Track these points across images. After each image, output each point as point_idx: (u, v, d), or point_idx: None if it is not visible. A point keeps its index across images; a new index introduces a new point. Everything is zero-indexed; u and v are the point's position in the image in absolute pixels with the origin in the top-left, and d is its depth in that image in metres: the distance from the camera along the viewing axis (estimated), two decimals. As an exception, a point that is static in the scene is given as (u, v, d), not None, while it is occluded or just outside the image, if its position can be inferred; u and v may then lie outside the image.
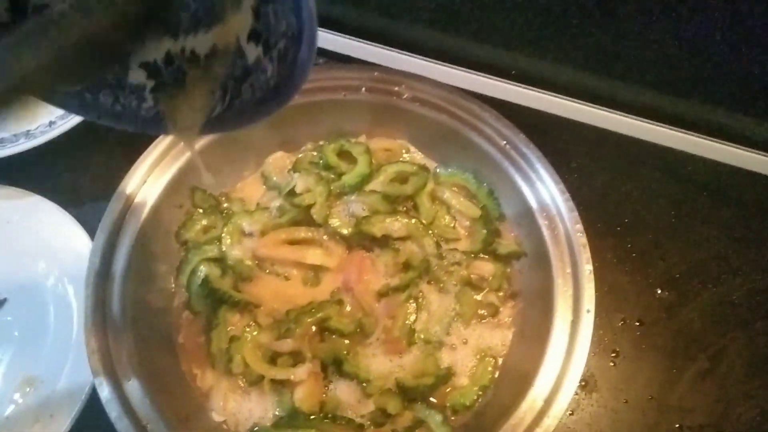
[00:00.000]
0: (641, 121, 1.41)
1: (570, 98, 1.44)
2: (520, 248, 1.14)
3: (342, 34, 1.52)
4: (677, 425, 1.10)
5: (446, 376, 1.04)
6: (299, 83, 0.68)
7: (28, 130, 1.30)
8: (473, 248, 1.15)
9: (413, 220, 1.13)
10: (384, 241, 1.13)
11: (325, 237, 1.14)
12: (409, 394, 1.01)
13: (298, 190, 1.15)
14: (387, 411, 1.00)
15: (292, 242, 1.14)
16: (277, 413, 1.02)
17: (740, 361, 1.16)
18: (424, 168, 1.22)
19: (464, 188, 1.22)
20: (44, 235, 1.22)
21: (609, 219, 1.29)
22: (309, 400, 0.99)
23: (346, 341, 1.06)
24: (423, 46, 1.49)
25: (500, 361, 1.08)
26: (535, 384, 0.94)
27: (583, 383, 1.12)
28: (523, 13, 1.35)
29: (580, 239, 1.03)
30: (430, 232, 1.13)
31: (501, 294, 1.13)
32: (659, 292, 1.22)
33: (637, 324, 1.18)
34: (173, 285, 1.13)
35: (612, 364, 1.14)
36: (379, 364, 1.06)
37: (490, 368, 1.06)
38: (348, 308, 1.10)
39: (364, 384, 1.02)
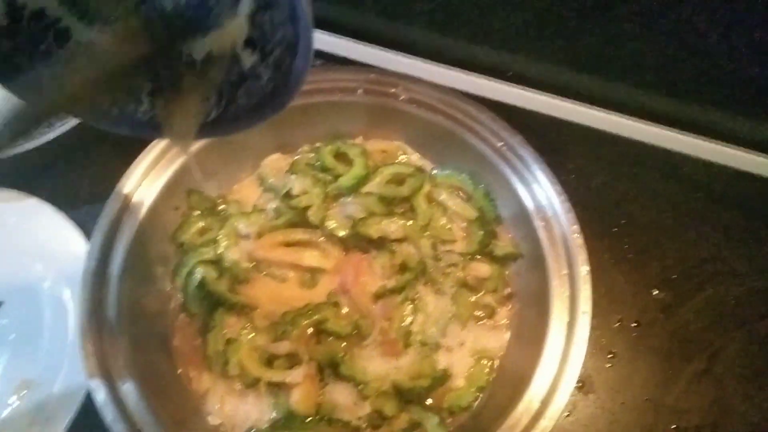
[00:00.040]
0: (638, 122, 1.41)
1: (567, 99, 1.44)
2: (517, 250, 1.14)
3: (338, 35, 1.51)
4: (674, 426, 1.10)
5: (443, 377, 1.04)
6: (294, 91, 0.69)
7: (25, 132, 1.30)
8: (470, 250, 1.15)
9: (410, 222, 1.13)
10: (381, 243, 1.13)
11: (321, 239, 1.14)
12: (405, 396, 1.01)
13: (294, 192, 1.15)
14: (384, 413, 1.00)
15: (289, 244, 1.14)
16: (273, 416, 1.01)
17: (737, 361, 1.16)
18: (420, 169, 1.22)
19: (461, 190, 1.22)
20: (40, 237, 1.21)
21: (606, 220, 1.29)
22: (305, 403, 0.99)
23: (343, 343, 1.06)
24: (420, 47, 1.48)
25: (497, 362, 1.08)
26: (532, 385, 0.94)
27: (579, 384, 1.12)
28: (520, 15, 1.34)
29: (577, 240, 1.03)
30: (427, 233, 1.14)
31: (497, 295, 1.13)
32: (656, 292, 1.22)
33: (634, 325, 1.18)
34: (169, 287, 1.13)
35: (609, 365, 1.14)
36: (376, 366, 1.06)
37: (486, 370, 1.06)
38: (345, 310, 1.10)
39: (361, 386, 1.02)
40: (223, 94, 0.76)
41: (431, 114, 1.18)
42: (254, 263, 1.13)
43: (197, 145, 1.10)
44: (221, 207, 1.21)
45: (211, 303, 1.07)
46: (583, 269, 1.01)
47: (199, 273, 1.10)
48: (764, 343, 1.18)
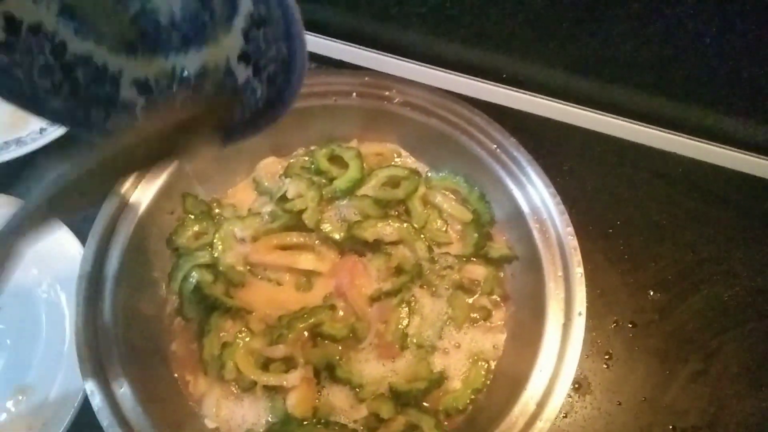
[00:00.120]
0: (632, 123, 1.42)
1: (561, 101, 1.44)
2: (512, 252, 1.15)
3: (333, 38, 1.52)
4: (670, 427, 1.10)
5: (439, 380, 1.04)
6: (288, 105, 0.69)
7: (19, 138, 1.30)
8: (465, 252, 1.16)
9: (405, 225, 1.13)
10: (376, 246, 1.13)
11: (317, 242, 1.14)
12: (402, 398, 1.01)
13: (289, 195, 1.15)
14: (380, 416, 0.99)
15: (284, 247, 1.14)
16: (270, 419, 1.01)
17: (733, 362, 1.16)
18: (415, 172, 1.22)
19: (456, 192, 1.22)
20: (36, 242, 1.21)
21: (601, 221, 1.29)
22: (302, 406, 0.99)
23: (339, 346, 1.07)
24: (414, 50, 1.49)
25: (493, 364, 1.08)
26: (528, 387, 0.94)
27: (576, 386, 1.12)
28: (514, 17, 1.35)
29: (571, 242, 1.04)
30: (422, 236, 1.14)
31: (493, 297, 1.13)
32: (651, 293, 1.22)
33: (630, 326, 1.19)
34: (165, 291, 1.13)
35: (605, 366, 1.15)
36: (372, 368, 1.06)
37: (482, 372, 1.06)
38: (340, 313, 1.10)
39: (357, 389, 1.03)
40: None
41: (426, 117, 1.18)
42: (250, 267, 1.13)
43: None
44: (216, 211, 1.21)
45: (207, 307, 1.07)
46: (578, 271, 1.01)
47: (195, 277, 1.10)
48: (761, 343, 1.18)
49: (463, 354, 1.09)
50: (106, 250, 1.04)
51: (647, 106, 1.41)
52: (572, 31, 1.33)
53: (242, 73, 0.72)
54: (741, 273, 1.26)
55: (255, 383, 1.01)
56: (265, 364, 1.03)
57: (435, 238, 1.17)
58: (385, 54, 1.50)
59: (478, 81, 1.46)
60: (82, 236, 1.16)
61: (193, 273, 1.10)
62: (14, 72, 0.71)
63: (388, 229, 1.12)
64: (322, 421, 0.99)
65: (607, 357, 1.15)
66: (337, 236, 1.13)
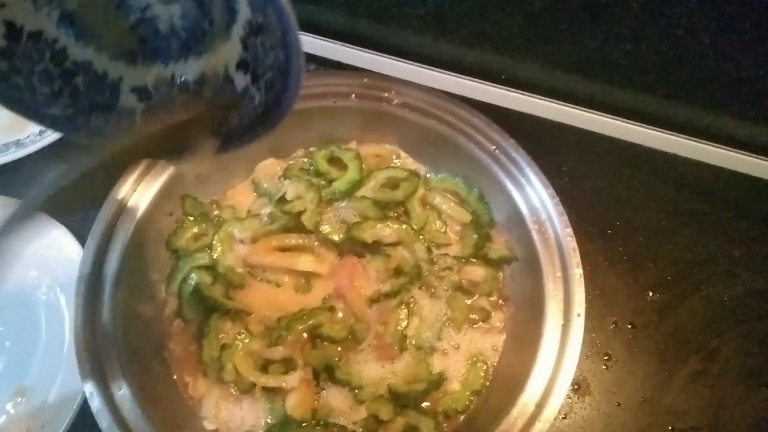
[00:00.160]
0: (631, 124, 1.42)
1: (560, 102, 1.44)
2: (511, 253, 1.15)
3: (331, 40, 1.52)
4: (670, 427, 1.10)
5: (438, 381, 1.04)
6: (285, 113, 0.70)
7: (18, 140, 1.30)
8: (464, 253, 1.16)
9: (404, 226, 1.13)
10: (375, 247, 1.13)
11: (316, 243, 1.14)
12: (401, 400, 1.01)
13: (288, 196, 1.16)
14: (379, 417, 0.99)
15: (283, 249, 1.14)
16: (269, 421, 1.02)
17: (732, 362, 1.16)
18: (414, 173, 1.22)
19: (455, 193, 1.22)
20: (35, 244, 1.21)
21: (600, 222, 1.29)
22: (301, 408, 0.99)
23: (338, 348, 1.07)
24: (413, 51, 1.49)
25: (492, 365, 1.08)
26: (527, 388, 0.94)
27: (575, 387, 1.12)
28: (513, 18, 1.35)
29: (570, 243, 1.04)
30: (421, 237, 1.14)
31: (492, 299, 1.14)
32: (651, 294, 1.22)
33: (629, 326, 1.18)
34: (164, 293, 1.13)
35: (604, 367, 1.15)
36: (371, 370, 1.06)
37: (481, 373, 1.06)
38: (339, 315, 1.10)
39: (356, 390, 1.03)
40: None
41: (425, 118, 1.18)
42: (249, 268, 1.13)
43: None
44: (215, 212, 1.21)
45: (206, 308, 1.07)
46: (577, 272, 1.01)
47: (194, 279, 1.10)
48: (760, 343, 1.18)
49: (462, 355, 1.09)
50: (106, 252, 1.04)
51: (646, 106, 1.41)
52: (571, 32, 1.32)
53: (241, 80, 0.73)
54: (740, 273, 1.26)
55: (254, 385, 1.01)
56: (264, 366, 1.03)
57: (434, 239, 1.17)
58: (384, 55, 1.50)
59: (477, 82, 1.46)
60: (81, 238, 1.16)
61: (193, 275, 1.10)
62: (14, 78, 0.72)
63: (387, 231, 1.12)
64: (321, 422, 0.99)
65: (606, 358, 1.15)
66: (336, 238, 1.13)
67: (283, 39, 0.63)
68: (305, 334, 1.06)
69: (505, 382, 1.03)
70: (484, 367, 1.07)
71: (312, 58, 1.48)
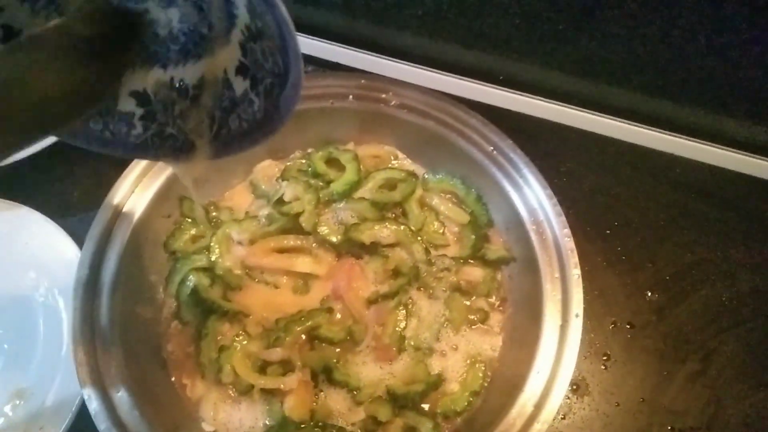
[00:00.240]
0: (629, 124, 1.42)
1: (558, 102, 1.44)
2: (509, 253, 1.15)
3: (329, 41, 1.52)
4: (669, 427, 1.10)
5: (437, 382, 1.04)
6: (285, 118, 0.70)
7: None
8: (462, 254, 1.16)
9: (402, 227, 1.13)
10: (373, 248, 1.13)
11: (314, 245, 1.14)
12: (399, 401, 1.01)
13: (286, 198, 1.15)
14: (378, 418, 0.99)
15: (281, 250, 1.14)
16: (267, 422, 1.01)
17: (731, 362, 1.16)
18: (412, 174, 1.22)
19: (453, 194, 1.22)
20: (33, 246, 1.21)
21: (598, 222, 1.29)
22: (299, 409, 0.99)
23: (336, 349, 1.06)
24: (410, 52, 1.49)
25: (491, 366, 1.08)
26: (526, 389, 0.94)
27: (574, 387, 1.12)
28: (510, 19, 1.35)
29: (568, 244, 1.04)
30: (419, 238, 1.14)
31: (490, 299, 1.14)
32: (649, 294, 1.22)
33: (628, 327, 1.19)
34: (162, 295, 1.13)
35: (603, 368, 1.15)
36: (370, 371, 1.06)
37: (480, 374, 1.06)
38: (338, 316, 1.10)
39: (355, 392, 1.02)
40: (215, 118, 0.77)
41: (422, 119, 1.19)
42: (247, 270, 1.13)
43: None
44: (213, 214, 1.21)
45: (204, 310, 1.07)
46: (575, 272, 1.01)
47: (192, 280, 1.10)
48: (758, 344, 1.18)
49: (461, 356, 1.09)
50: (103, 253, 1.04)
51: (645, 107, 1.42)
52: (569, 32, 1.33)
53: (240, 85, 0.73)
54: (739, 273, 1.26)
55: (252, 386, 1.01)
56: (263, 368, 1.03)
57: (432, 240, 1.17)
58: (382, 56, 1.50)
59: (474, 83, 1.46)
60: (79, 240, 1.16)
61: (190, 276, 1.10)
62: None
63: (385, 232, 1.12)
64: (320, 424, 0.99)
65: (605, 358, 1.15)
66: (334, 239, 1.13)
67: (282, 45, 0.63)
68: (303, 336, 1.06)
69: (503, 383, 1.03)
70: (483, 368, 1.07)
71: (310, 60, 1.48)
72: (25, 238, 1.22)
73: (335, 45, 1.52)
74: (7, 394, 1.10)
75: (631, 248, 1.27)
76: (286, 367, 1.02)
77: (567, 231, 1.05)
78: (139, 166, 1.10)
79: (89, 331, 0.97)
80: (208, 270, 1.11)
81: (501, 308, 1.13)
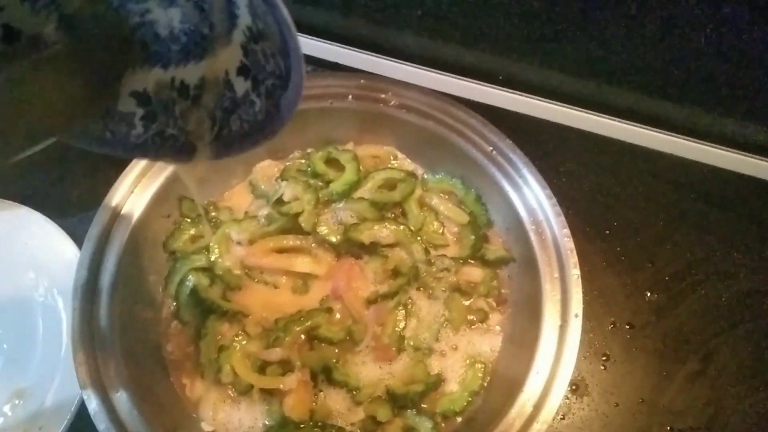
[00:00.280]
0: (629, 124, 1.42)
1: (557, 102, 1.44)
2: (509, 254, 1.15)
3: (328, 41, 1.52)
4: (668, 428, 1.10)
5: (436, 382, 1.04)
6: (286, 119, 0.70)
7: (15, 142, 1.29)
8: (462, 254, 1.16)
9: (401, 227, 1.13)
10: (373, 248, 1.13)
11: (313, 245, 1.14)
12: (399, 401, 1.01)
13: (286, 198, 1.15)
14: (377, 418, 1.00)
15: (281, 250, 1.14)
16: (266, 422, 1.01)
17: (730, 362, 1.16)
18: (411, 174, 1.22)
19: (452, 194, 1.22)
20: (33, 247, 1.21)
21: (598, 223, 1.29)
22: (298, 409, 0.99)
23: (336, 349, 1.06)
24: (410, 52, 1.49)
25: (490, 366, 1.08)
26: (525, 389, 0.94)
27: (574, 387, 1.12)
28: (510, 19, 1.35)
29: (568, 244, 1.04)
30: (419, 238, 1.14)
31: (490, 300, 1.13)
32: (649, 295, 1.22)
33: (627, 327, 1.18)
34: (161, 295, 1.13)
35: (602, 368, 1.15)
36: (369, 371, 1.06)
37: (479, 374, 1.06)
38: (337, 316, 1.10)
39: (354, 392, 1.02)
40: (216, 119, 0.77)
41: (422, 119, 1.19)
42: (246, 270, 1.13)
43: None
44: (212, 214, 1.21)
45: (204, 310, 1.07)
46: (574, 272, 1.01)
47: (191, 280, 1.10)
48: (757, 344, 1.18)
49: (460, 356, 1.09)
50: (103, 253, 1.04)
51: (644, 107, 1.42)
52: (568, 32, 1.33)
53: (241, 86, 0.73)
54: (738, 274, 1.26)
55: (252, 386, 1.01)
56: (262, 368, 1.03)
57: (431, 240, 1.17)
58: (381, 56, 1.50)
59: (474, 83, 1.46)
60: (78, 240, 1.16)
61: (190, 276, 1.10)
62: None
63: (384, 232, 1.12)
64: (319, 424, 0.99)
65: (604, 358, 1.15)
66: (333, 239, 1.13)
67: (283, 47, 0.63)
68: (303, 336, 1.06)
69: (503, 383, 1.03)
70: (482, 368, 1.07)
71: (309, 60, 1.48)
72: (25, 238, 1.22)
73: (335, 45, 1.52)
74: (7, 394, 1.10)
75: (630, 248, 1.27)
76: (286, 367, 1.02)
77: (566, 231, 1.05)
78: (138, 166, 1.10)
79: (89, 331, 0.97)
80: (208, 270, 1.11)
81: (500, 308, 1.13)
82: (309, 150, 1.27)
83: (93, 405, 0.90)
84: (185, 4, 0.71)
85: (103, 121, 0.78)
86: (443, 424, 1.03)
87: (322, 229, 1.13)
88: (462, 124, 1.16)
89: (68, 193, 1.31)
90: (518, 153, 1.12)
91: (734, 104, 1.33)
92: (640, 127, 1.41)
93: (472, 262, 1.15)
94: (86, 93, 0.64)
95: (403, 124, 1.20)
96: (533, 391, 0.94)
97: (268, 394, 1.01)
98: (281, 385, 1.00)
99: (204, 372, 1.04)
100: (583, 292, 1.00)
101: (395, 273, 1.12)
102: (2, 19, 0.67)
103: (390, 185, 1.21)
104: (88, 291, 1.00)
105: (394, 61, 1.50)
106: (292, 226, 1.14)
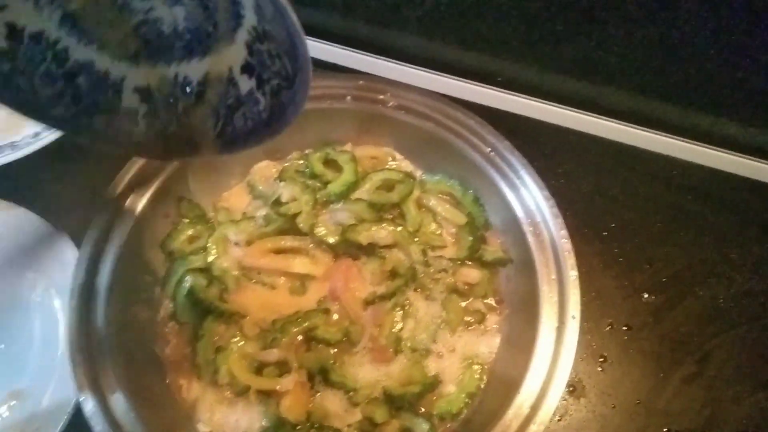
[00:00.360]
0: (627, 126, 1.42)
1: (556, 104, 1.44)
2: (506, 255, 1.15)
3: (327, 42, 1.52)
4: (665, 429, 1.10)
5: (433, 383, 1.04)
6: (291, 119, 0.71)
7: (13, 142, 1.29)
8: (459, 255, 1.15)
9: (399, 228, 1.13)
10: (370, 249, 1.13)
11: (311, 246, 1.14)
12: (396, 402, 1.01)
13: (284, 199, 1.16)
14: (374, 420, 0.99)
15: (279, 251, 1.14)
16: (263, 424, 1.01)
17: (727, 364, 1.16)
18: (410, 175, 1.22)
19: (450, 195, 1.22)
20: (30, 247, 1.21)
21: (595, 224, 1.29)
22: (295, 410, 0.99)
23: (333, 350, 1.06)
24: (409, 53, 1.49)
25: (487, 368, 1.08)
26: (522, 390, 0.94)
27: (571, 389, 1.12)
28: (509, 20, 1.35)
29: (565, 245, 1.04)
30: (417, 239, 1.14)
31: (487, 301, 1.13)
32: (646, 296, 1.22)
33: (625, 329, 1.18)
34: (159, 296, 1.12)
35: (600, 369, 1.14)
36: (366, 372, 1.05)
37: (477, 375, 1.06)
38: (335, 317, 1.10)
39: (351, 393, 1.02)
40: (220, 116, 0.77)
41: (420, 120, 1.19)
42: (244, 271, 1.13)
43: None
44: (211, 214, 1.21)
45: (201, 311, 1.07)
46: (572, 274, 1.01)
47: (189, 281, 1.09)
48: (754, 345, 1.18)
49: (458, 358, 1.09)
50: (101, 254, 1.03)
51: (642, 108, 1.42)
52: (567, 33, 1.33)
53: (245, 83, 0.73)
54: (736, 276, 1.26)
55: (248, 388, 1.01)
56: (259, 369, 1.03)
57: (429, 241, 1.17)
58: (380, 57, 1.50)
59: (472, 84, 1.47)
60: (77, 240, 1.16)
61: (187, 277, 1.10)
62: (16, 79, 0.71)
63: (382, 233, 1.12)
64: (316, 425, 0.99)
65: (601, 360, 1.15)
66: (331, 240, 1.13)
67: (292, 50, 0.63)
68: (300, 337, 1.06)
69: (500, 385, 1.03)
70: (479, 370, 1.07)
71: (308, 61, 1.48)
72: (23, 239, 1.21)
73: (333, 46, 1.52)
74: (3, 395, 1.09)
75: (628, 250, 1.27)
76: (283, 368, 1.02)
77: (564, 233, 1.05)
78: (136, 166, 1.10)
79: (86, 332, 0.97)
80: (205, 271, 1.11)
81: (498, 310, 1.13)
82: (307, 151, 1.26)
83: (89, 406, 0.90)
84: (189, 2, 0.71)
85: (107, 117, 0.78)
86: (440, 426, 1.02)
87: (320, 230, 1.13)
88: (460, 125, 1.16)
89: (66, 194, 1.30)
90: (516, 154, 1.12)
91: (733, 106, 1.33)
92: (639, 129, 1.42)
93: (470, 263, 1.15)
94: None
95: (402, 125, 1.20)
96: (530, 393, 0.93)
97: (265, 395, 1.01)
98: (278, 387, 1.00)
99: (201, 373, 1.03)
100: (581, 294, 1.00)
101: (393, 274, 1.12)
102: (5, 17, 0.67)
103: (388, 186, 1.21)
104: (85, 291, 0.99)
105: (393, 62, 1.50)
106: (289, 226, 1.14)
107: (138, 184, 1.10)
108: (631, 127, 1.42)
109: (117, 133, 0.80)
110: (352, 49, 1.51)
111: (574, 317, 0.98)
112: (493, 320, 1.12)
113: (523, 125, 1.42)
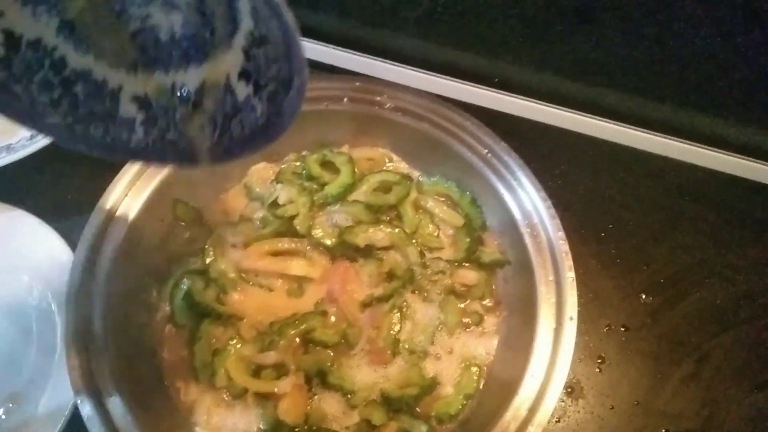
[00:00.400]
0: (624, 127, 1.42)
1: (553, 105, 1.44)
2: (504, 256, 1.15)
3: (324, 44, 1.52)
4: (663, 430, 1.10)
5: (431, 385, 1.04)
6: (287, 125, 0.70)
7: (9, 144, 1.29)
8: (457, 257, 1.15)
9: (396, 230, 1.13)
10: (368, 251, 1.13)
11: (308, 248, 1.14)
12: (393, 404, 1.01)
13: (281, 201, 1.15)
14: (372, 422, 0.99)
15: (276, 253, 1.14)
16: (261, 426, 1.01)
17: (725, 364, 1.17)
18: (407, 177, 1.22)
19: (447, 197, 1.22)
20: (27, 249, 1.21)
21: (593, 225, 1.29)
22: (293, 413, 0.99)
23: (331, 352, 1.06)
24: (406, 54, 1.49)
25: (485, 369, 1.08)
26: (520, 392, 0.94)
27: (569, 390, 1.12)
28: (506, 21, 1.35)
29: (563, 247, 1.04)
30: (414, 241, 1.14)
31: (485, 302, 1.13)
32: (644, 297, 1.22)
33: (622, 329, 1.19)
34: (156, 298, 1.12)
35: (598, 370, 1.15)
36: (364, 375, 1.05)
37: (474, 377, 1.06)
38: (332, 319, 1.10)
39: (349, 395, 1.02)
40: (217, 123, 0.77)
41: (417, 122, 1.18)
42: (241, 273, 1.13)
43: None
44: (207, 217, 1.20)
45: (198, 314, 1.07)
46: (569, 275, 1.01)
47: (186, 284, 1.09)
48: (752, 346, 1.19)
49: (455, 359, 1.08)
50: (97, 257, 1.03)
51: (639, 109, 1.42)
52: (564, 34, 1.33)
53: (243, 90, 0.73)
54: (733, 276, 1.26)
55: (246, 390, 1.01)
56: (257, 371, 1.03)
57: (427, 243, 1.17)
58: (377, 59, 1.50)
59: (469, 85, 1.47)
60: (73, 243, 1.16)
61: (184, 280, 1.09)
62: (13, 87, 0.71)
63: (379, 235, 1.12)
64: (314, 427, 0.99)
65: (599, 361, 1.15)
66: (328, 242, 1.12)
67: (287, 53, 0.63)
68: (297, 339, 1.06)
69: (498, 386, 1.03)
70: (477, 371, 1.07)
71: (305, 62, 1.48)
72: (19, 241, 1.21)
73: (330, 47, 1.52)
74: (0, 399, 1.09)
75: (625, 251, 1.27)
76: (280, 370, 1.02)
77: (561, 234, 1.05)
78: (132, 169, 1.10)
79: (82, 335, 0.96)
80: (202, 273, 1.11)
81: (495, 311, 1.13)
82: (304, 152, 1.26)
83: (86, 409, 0.90)
84: (186, 9, 0.71)
85: (104, 126, 0.78)
86: (438, 428, 1.02)
87: (317, 232, 1.13)
88: (457, 126, 1.16)
89: (63, 196, 1.30)
90: (513, 155, 1.12)
91: (731, 107, 1.33)
92: (636, 130, 1.42)
93: (467, 264, 1.15)
94: None
95: (399, 127, 1.20)
96: (528, 394, 0.93)
97: (263, 397, 1.01)
98: (276, 389, 0.99)
99: (198, 376, 1.03)
100: (578, 295, 1.00)
101: (390, 276, 1.12)
102: (2, 24, 0.67)
103: (385, 188, 1.21)
104: (82, 294, 0.99)
105: (390, 64, 1.50)
106: (287, 229, 1.14)
107: (134, 187, 1.10)
108: (629, 128, 1.42)
109: (114, 141, 0.79)
110: (348, 51, 1.51)
111: (571, 318, 0.98)
112: (490, 322, 1.12)
113: (520, 126, 1.42)
